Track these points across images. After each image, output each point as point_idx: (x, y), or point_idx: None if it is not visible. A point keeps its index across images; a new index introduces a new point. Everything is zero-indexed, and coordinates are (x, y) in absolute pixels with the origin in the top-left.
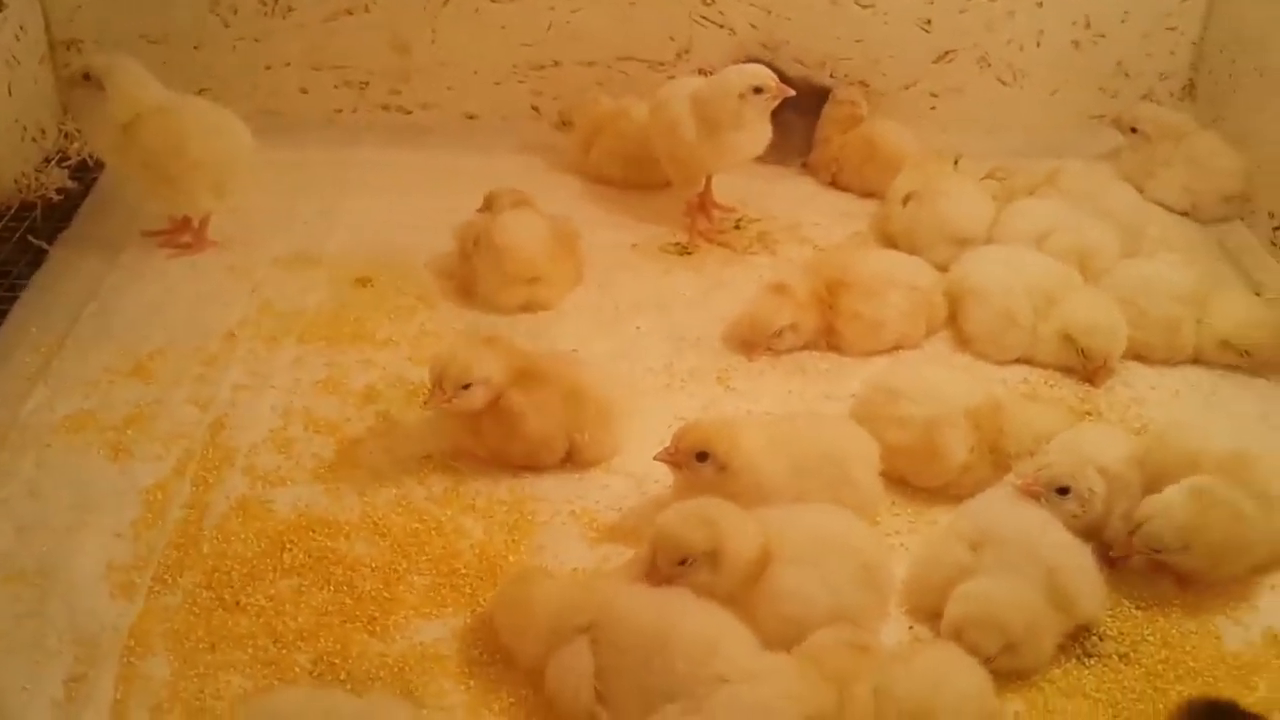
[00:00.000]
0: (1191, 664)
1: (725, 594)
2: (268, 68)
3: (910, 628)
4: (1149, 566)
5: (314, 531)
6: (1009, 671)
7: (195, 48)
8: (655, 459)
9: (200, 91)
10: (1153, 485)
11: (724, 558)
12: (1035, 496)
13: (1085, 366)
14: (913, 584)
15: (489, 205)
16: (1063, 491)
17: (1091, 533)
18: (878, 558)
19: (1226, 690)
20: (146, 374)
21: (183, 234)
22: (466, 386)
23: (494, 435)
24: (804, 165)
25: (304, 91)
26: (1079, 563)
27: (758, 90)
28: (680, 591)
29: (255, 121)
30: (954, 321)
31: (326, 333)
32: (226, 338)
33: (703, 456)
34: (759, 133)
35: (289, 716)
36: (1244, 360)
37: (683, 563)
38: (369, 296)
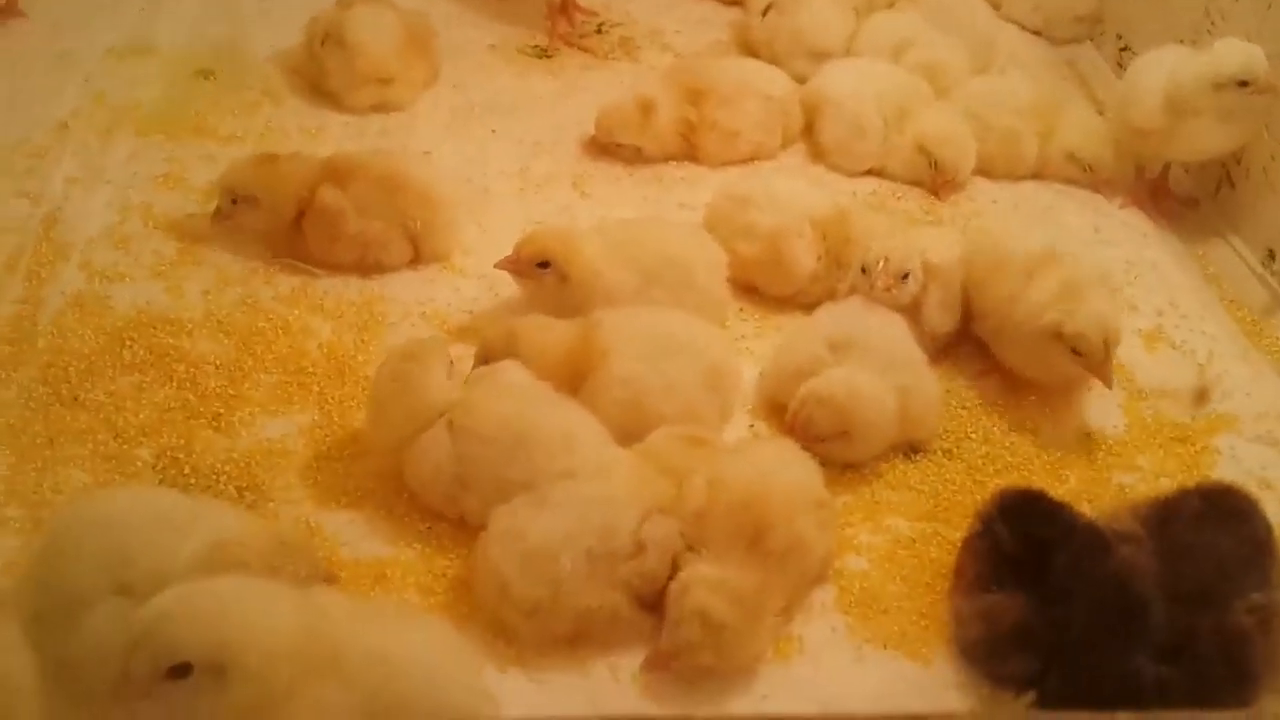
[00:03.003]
0: (1010, 459)
1: None
2: None
3: (751, 426)
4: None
5: (155, 329)
6: (836, 460)
7: None
8: (496, 267)
9: None
10: (972, 283)
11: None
12: (887, 290)
13: (934, 179)
14: (765, 376)
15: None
16: (904, 278)
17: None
18: (720, 356)
19: (1040, 483)
20: None
21: None
22: (234, 202)
23: (318, 242)
24: None
25: None
26: (928, 388)
27: None
28: (541, 386)
29: None
30: (810, 133)
31: (165, 126)
32: (58, 129)
33: (544, 265)
34: None
35: (113, 516)
36: (1086, 176)
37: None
38: (210, 89)
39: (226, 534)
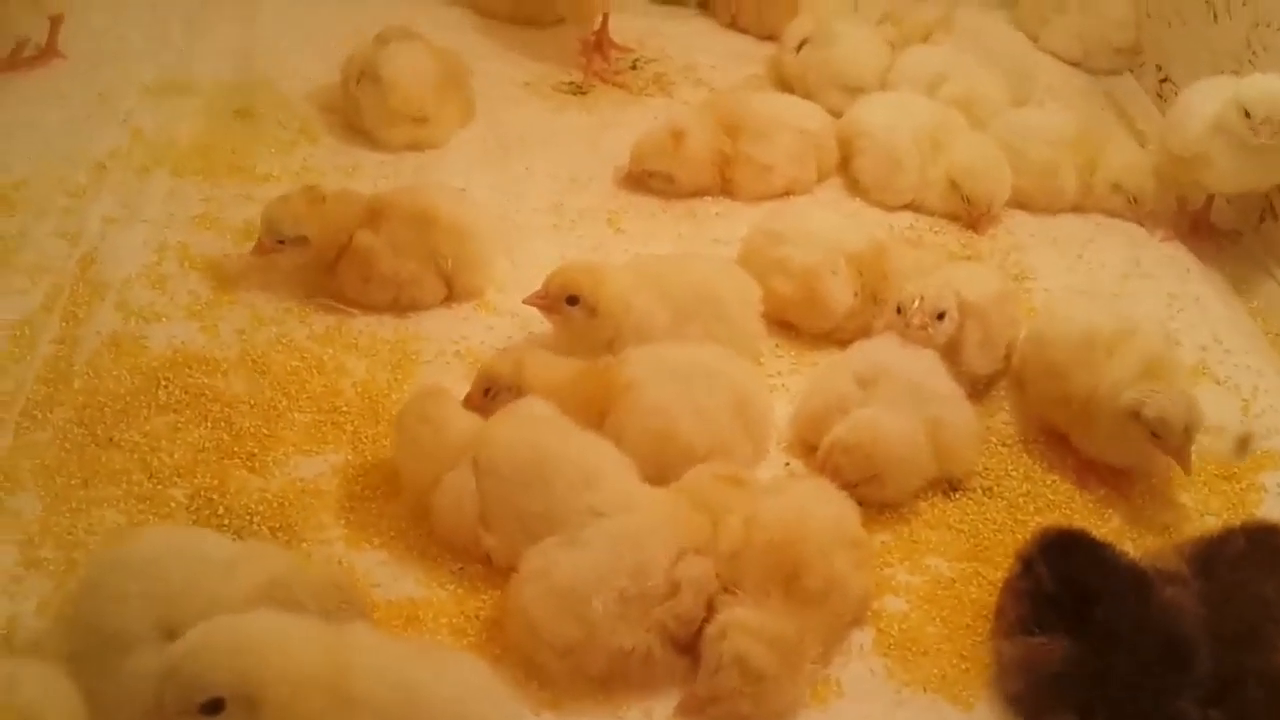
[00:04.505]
0: (1051, 497)
1: None
2: None
3: (786, 464)
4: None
5: (190, 368)
6: (871, 501)
7: None
8: (525, 303)
9: None
10: (1054, 371)
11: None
12: (923, 328)
13: (969, 213)
14: (797, 414)
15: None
16: (940, 317)
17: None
18: (751, 388)
19: (1082, 522)
20: (10, 205)
21: (22, 51)
22: (281, 242)
23: (351, 282)
24: (700, 4)
25: None
26: (963, 421)
27: None
28: (561, 420)
29: None
30: (846, 167)
31: (202, 165)
32: (96, 168)
33: (573, 300)
34: None
35: (149, 559)
36: (1130, 207)
37: (487, 393)
38: (247, 128)
39: (279, 573)
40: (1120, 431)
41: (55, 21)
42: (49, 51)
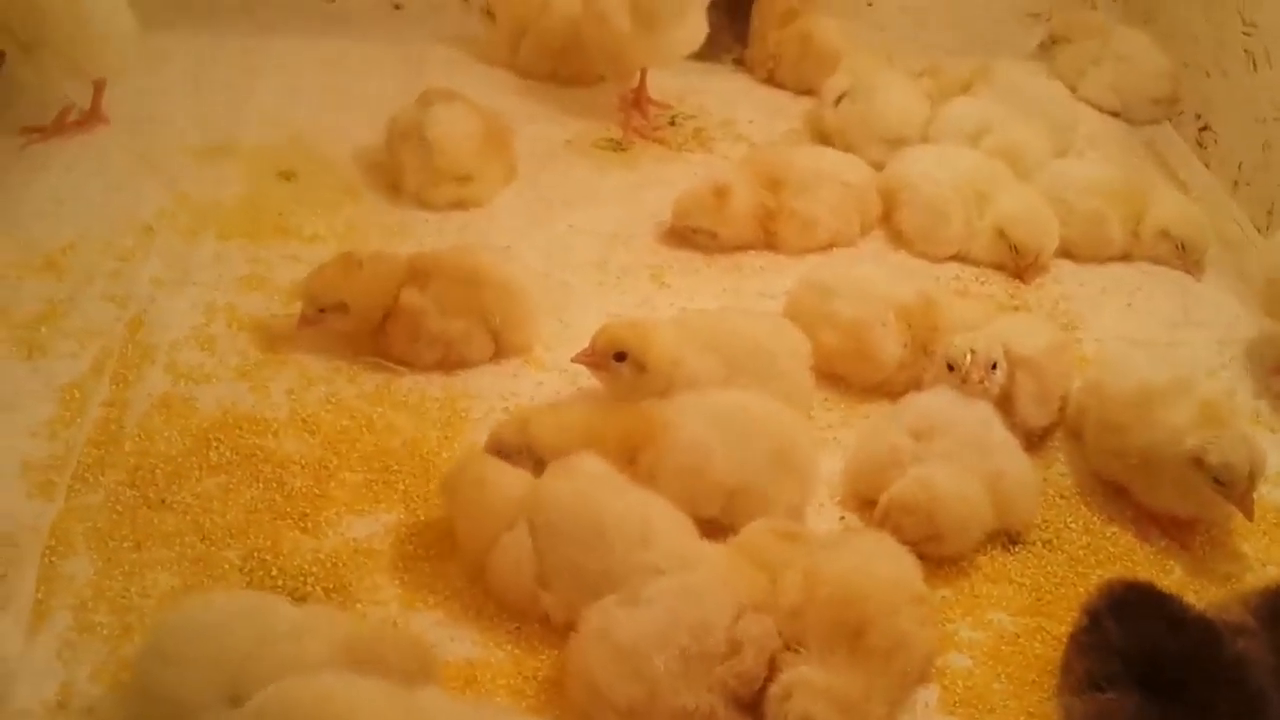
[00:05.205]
0: (1112, 549)
1: None
2: None
3: (841, 517)
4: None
5: (241, 429)
6: (931, 557)
7: None
8: (573, 361)
9: None
10: (1110, 425)
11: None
12: (980, 382)
13: (1017, 263)
14: (849, 467)
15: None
16: (993, 368)
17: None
18: (791, 431)
19: (1144, 574)
20: (58, 269)
21: (67, 116)
22: (322, 311)
23: (400, 342)
24: (736, 61)
25: None
26: (1022, 473)
27: None
28: (615, 476)
29: (166, 7)
30: (889, 219)
31: (248, 227)
32: (143, 231)
33: (620, 357)
34: (696, 26)
35: (214, 624)
36: (1178, 255)
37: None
38: (291, 190)
39: (349, 637)
40: (1182, 481)
41: (99, 86)
42: (93, 116)
